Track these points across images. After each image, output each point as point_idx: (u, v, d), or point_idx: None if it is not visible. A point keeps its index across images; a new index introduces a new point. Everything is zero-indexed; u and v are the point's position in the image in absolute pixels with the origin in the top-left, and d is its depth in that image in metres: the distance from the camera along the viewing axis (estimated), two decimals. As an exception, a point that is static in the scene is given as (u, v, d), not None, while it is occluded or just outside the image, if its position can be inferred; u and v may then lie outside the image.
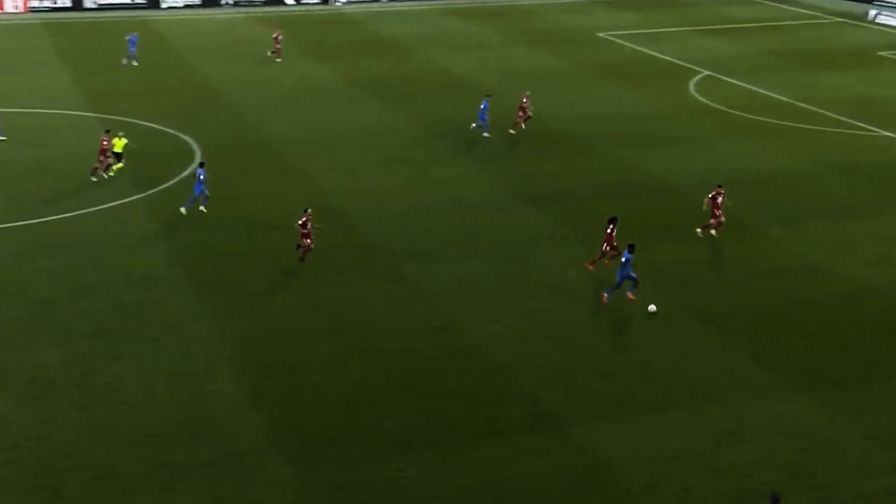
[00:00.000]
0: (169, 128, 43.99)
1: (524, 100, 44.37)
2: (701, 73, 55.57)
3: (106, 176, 37.74)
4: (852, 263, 31.66)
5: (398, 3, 76.70)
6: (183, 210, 34.68)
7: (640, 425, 23.14)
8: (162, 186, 37.59)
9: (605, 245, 30.33)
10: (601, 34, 65.52)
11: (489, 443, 22.47)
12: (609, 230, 30.20)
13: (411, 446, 22.32)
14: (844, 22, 70.79)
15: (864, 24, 70.19)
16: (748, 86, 52.58)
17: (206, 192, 34.78)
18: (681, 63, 57.70)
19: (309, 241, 30.85)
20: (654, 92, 51.44)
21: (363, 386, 24.71)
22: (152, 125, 44.09)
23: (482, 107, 43.79)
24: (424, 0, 77.30)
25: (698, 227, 33.28)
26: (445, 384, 24.82)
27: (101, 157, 37.71)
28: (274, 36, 58.43)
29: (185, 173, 38.68)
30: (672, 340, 26.95)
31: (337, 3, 76.03)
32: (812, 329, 27.60)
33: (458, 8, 74.42)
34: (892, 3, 74.59)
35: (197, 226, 34.15)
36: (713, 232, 33.07)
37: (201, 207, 34.92)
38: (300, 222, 30.82)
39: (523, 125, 44.18)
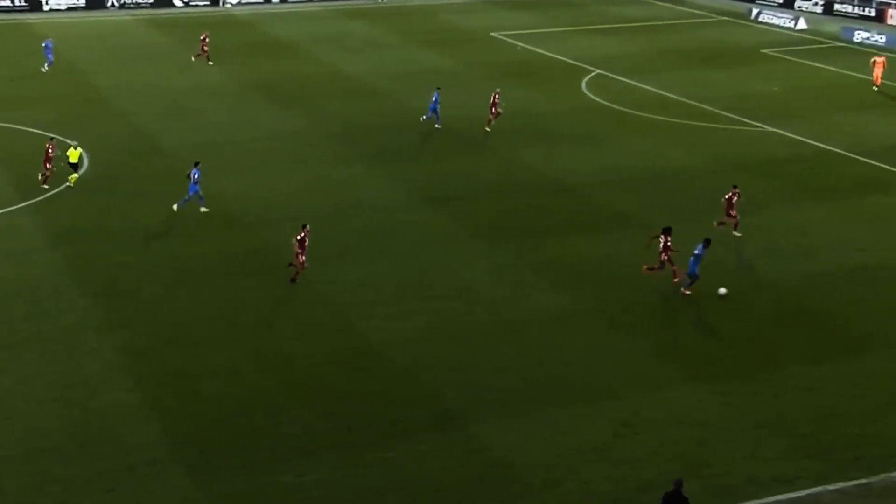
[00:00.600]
0: (57, 134, 42.75)
1: (495, 96, 44.84)
2: (592, 71, 56.41)
3: (45, 186, 36.64)
4: (744, 257, 32.45)
5: (290, 5, 76.05)
6: (175, 207, 34.42)
7: (540, 422, 23.34)
8: (49, 194, 36.54)
9: (664, 254, 29.60)
10: (494, 34, 65.99)
11: (392, 444, 22.40)
12: (663, 241, 29.59)
13: (312, 450, 22.11)
14: (729, 21, 72.65)
15: (748, 23, 72.16)
16: (639, 84, 53.54)
17: (200, 191, 34.36)
18: (572, 62, 58.47)
19: (303, 258, 29.60)
20: (547, 91, 51.97)
21: (262, 391, 24.39)
22: (39, 132, 42.81)
23: (433, 99, 44.48)
24: (317, 1, 76.81)
25: (715, 222, 33.60)
26: (347, 386, 24.67)
27: (47, 165, 36.55)
28: (201, 38, 57.31)
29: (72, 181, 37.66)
30: (571, 337, 27.26)
31: (227, 5, 75.00)
32: (707, 322, 28.21)
33: (350, 9, 74.14)
34: (773, 2, 76.91)
35: (87, 234, 33.28)
36: (735, 233, 33.13)
37: (202, 209, 34.42)
38: (298, 238, 29.53)
39: (492, 122, 44.68)
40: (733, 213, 33.42)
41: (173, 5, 74.02)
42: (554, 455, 22.12)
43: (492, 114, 44.78)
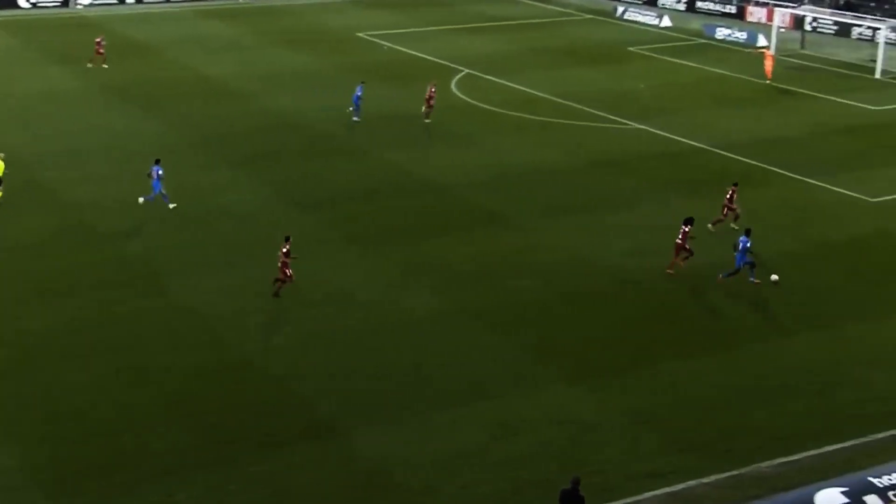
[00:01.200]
0: None
1: (431, 89, 46.46)
2: (462, 71, 56.96)
3: None
4: (613, 254, 33.26)
5: (146, 6, 74.48)
6: (141, 200, 35.49)
7: (417, 426, 23.47)
8: None
9: (681, 245, 31.02)
10: (361, 34, 66.00)
11: (267, 456, 22.21)
12: (684, 230, 30.84)
13: (182, 468, 21.74)
14: (596, 19, 74.33)
15: (614, 21, 73.95)
16: (508, 83, 54.27)
17: (163, 190, 34.93)
18: (441, 62, 58.94)
19: (289, 272, 28.82)
20: (416, 91, 52.26)
21: (127, 409, 23.85)
22: None
23: (357, 93, 46.08)
24: (175, 2, 75.44)
25: (710, 223, 34.29)
26: (218, 400, 24.33)
27: None
28: (96, 41, 55.48)
29: (-84, 192, 36.19)
30: (445, 339, 27.48)
31: (79, 6, 72.96)
32: (579, 320, 28.80)
33: (210, 9, 73.09)
34: (638, 0, 78.95)
35: (-68, 249, 32.00)
36: (733, 225, 34.05)
37: (170, 205, 35.15)
38: (284, 250, 28.75)
39: (429, 114, 46.35)
40: (733, 206, 34.45)
41: (19, 6, 71.66)
42: (432, 459, 22.28)
43: (428, 106, 46.21)
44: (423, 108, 46.46)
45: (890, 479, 19.09)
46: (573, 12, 76.59)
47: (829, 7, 68.96)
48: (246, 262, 31.71)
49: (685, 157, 43.23)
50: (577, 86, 54.06)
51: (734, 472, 22.06)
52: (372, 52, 61.44)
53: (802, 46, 63.22)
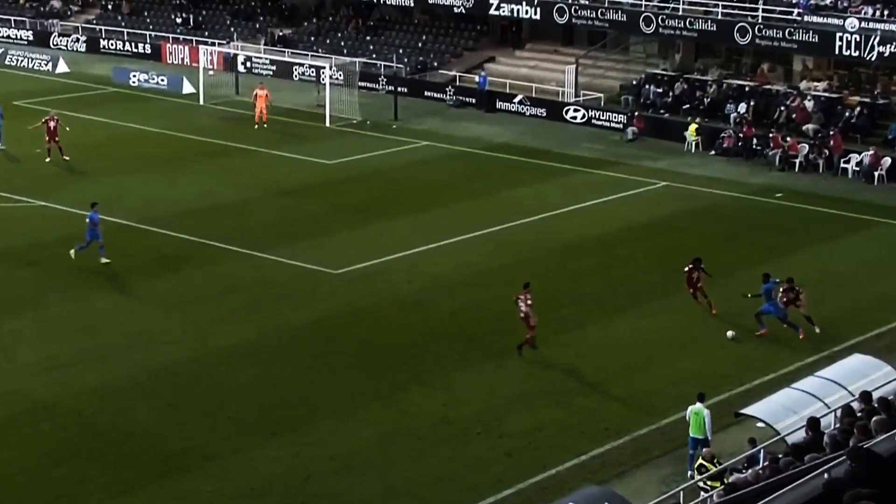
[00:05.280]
0: None
1: (50, 122, 51.29)
2: None
3: None
4: (19, 371, 32.29)
5: None
6: (72, 253, 39.34)
7: None
8: None
9: (693, 290, 35.84)
10: None
11: None
12: (689, 269, 35.56)
13: None
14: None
15: (-5, 68, 73.03)
16: None
17: (101, 239, 39.11)
18: None
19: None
20: None
21: None
22: None
23: None
24: None
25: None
26: None
27: None
28: None
29: None
30: None
31: None
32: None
33: None
34: (22, 40, 78.42)
35: None
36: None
37: (102, 259, 39.33)
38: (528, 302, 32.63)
39: (61, 154, 51.39)
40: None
41: None
42: None
43: (54, 142, 51.04)
44: (53, 143, 50.79)
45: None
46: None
47: (265, 44, 72.83)
48: None
49: (106, 238, 43.10)
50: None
51: None
52: None
53: (237, 92, 66.08)
